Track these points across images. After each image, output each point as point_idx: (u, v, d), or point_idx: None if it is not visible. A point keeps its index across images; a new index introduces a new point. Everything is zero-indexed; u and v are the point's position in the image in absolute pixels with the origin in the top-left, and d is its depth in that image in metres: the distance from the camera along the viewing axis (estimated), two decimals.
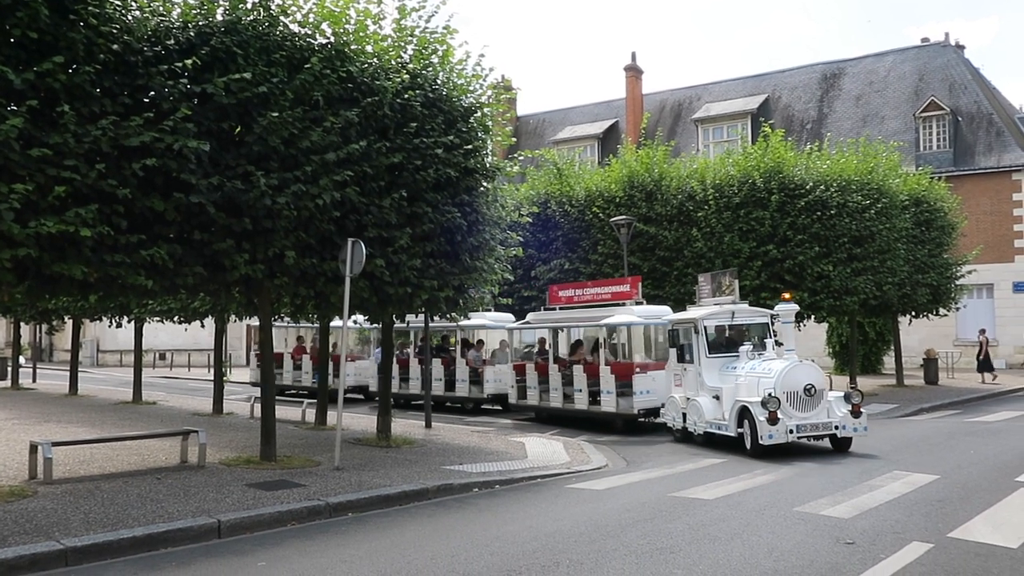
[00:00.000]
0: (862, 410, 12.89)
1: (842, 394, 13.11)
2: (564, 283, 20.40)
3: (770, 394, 12.50)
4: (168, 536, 7.81)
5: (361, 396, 23.87)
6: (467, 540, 7.87)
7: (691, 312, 15.33)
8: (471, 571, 6.82)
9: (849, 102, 38.33)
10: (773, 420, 12.28)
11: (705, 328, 14.16)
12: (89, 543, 7.39)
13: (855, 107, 37.98)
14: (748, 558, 7.11)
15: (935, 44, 38.37)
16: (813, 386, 12.69)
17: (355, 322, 19.07)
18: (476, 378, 20.79)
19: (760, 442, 12.37)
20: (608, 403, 16.73)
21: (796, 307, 14.43)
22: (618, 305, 17.62)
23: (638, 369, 16.93)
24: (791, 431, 12.37)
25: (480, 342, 22.13)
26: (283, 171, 10.37)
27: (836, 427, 12.68)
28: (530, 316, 20.27)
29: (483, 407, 21.07)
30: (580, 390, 17.60)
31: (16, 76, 8.11)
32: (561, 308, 19.23)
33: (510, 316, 21.62)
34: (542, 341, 20.21)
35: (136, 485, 9.99)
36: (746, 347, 14.00)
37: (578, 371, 17.66)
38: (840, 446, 12.97)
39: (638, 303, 17.70)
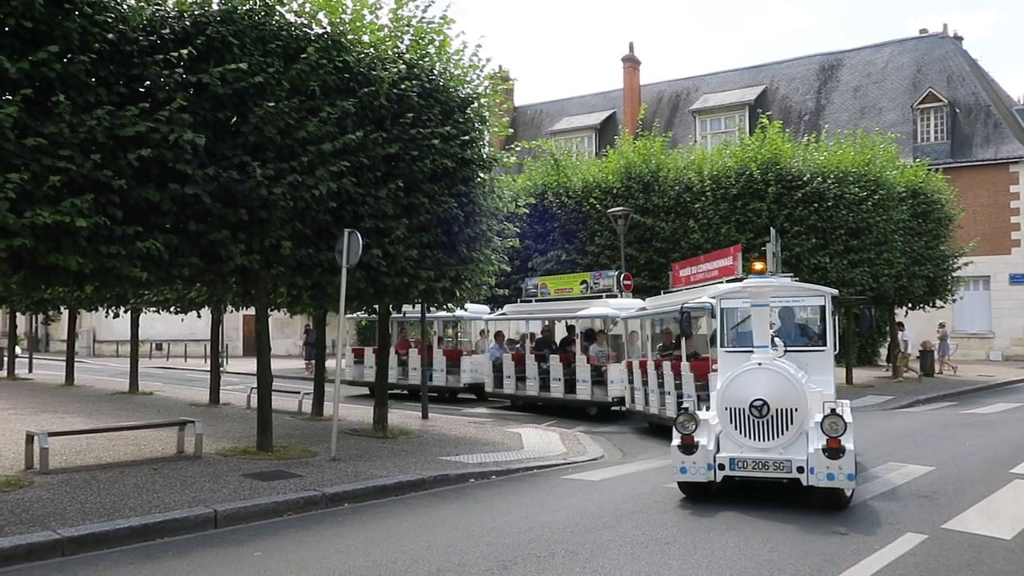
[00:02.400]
0: (845, 445, 8.23)
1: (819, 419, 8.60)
2: (683, 261, 18.07)
3: (685, 408, 9.51)
4: (164, 526, 7.82)
5: (474, 396, 21.41)
6: (463, 531, 7.88)
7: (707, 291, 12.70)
8: (467, 561, 6.84)
9: (847, 93, 38.29)
10: (688, 447, 8.73)
11: (723, 312, 10.34)
12: (85, 533, 7.39)
13: (853, 98, 37.94)
14: (743, 548, 7.14)
15: (933, 35, 38.33)
16: (765, 403, 8.56)
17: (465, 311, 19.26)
18: (599, 378, 17.58)
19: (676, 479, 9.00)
20: (584, 392, 17.44)
21: (775, 280, 10.88)
22: (596, 298, 18.43)
23: (605, 365, 17.43)
24: (723, 466, 8.67)
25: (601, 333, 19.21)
26: (279, 161, 10.34)
27: (799, 468, 8.40)
28: (507, 308, 20.72)
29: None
30: (557, 379, 18.24)
31: (11, 65, 8.07)
32: (537, 301, 20.00)
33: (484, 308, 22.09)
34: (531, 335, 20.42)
35: (132, 475, 10.00)
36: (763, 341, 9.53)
37: (554, 361, 18.35)
38: (815, 496, 8.62)
39: (612, 296, 18.43)
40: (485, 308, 21.93)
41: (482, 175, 13.49)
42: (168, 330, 38.51)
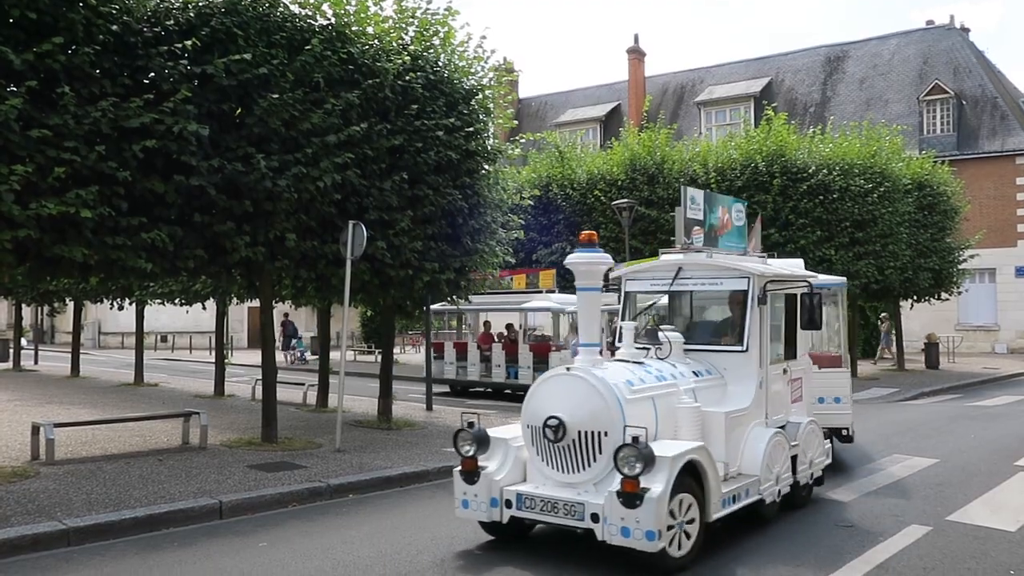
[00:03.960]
0: (649, 488, 5.93)
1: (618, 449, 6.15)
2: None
3: (471, 422, 7.03)
4: (170, 516, 7.84)
5: None
6: (467, 520, 7.90)
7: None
8: (471, 551, 6.85)
9: (853, 85, 38.15)
10: (468, 474, 6.85)
11: (628, 296, 8.46)
12: (91, 523, 7.42)
13: (859, 90, 37.80)
14: (748, 537, 7.15)
15: (940, 27, 38.15)
16: (561, 423, 6.40)
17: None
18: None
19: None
20: (525, 377, 18.42)
21: (603, 256, 7.07)
22: (536, 292, 20.11)
23: (553, 348, 18.99)
24: (510, 502, 6.68)
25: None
26: (283, 153, 10.34)
27: (593, 516, 6.18)
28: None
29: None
30: (499, 366, 19.81)
31: (16, 56, 8.07)
32: (489, 293, 20.59)
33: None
34: (487, 324, 21.70)
35: (138, 466, 10.03)
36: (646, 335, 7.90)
37: (497, 349, 19.97)
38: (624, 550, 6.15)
39: (551, 291, 19.83)
40: (574, 298, 21.25)
41: (487, 167, 13.47)
42: (173, 322, 38.59)
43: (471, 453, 6.92)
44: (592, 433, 6.41)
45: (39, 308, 32.38)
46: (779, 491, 7.60)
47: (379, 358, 18.49)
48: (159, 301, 20.49)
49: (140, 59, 9.35)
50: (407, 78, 11.72)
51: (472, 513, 6.89)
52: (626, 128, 25.83)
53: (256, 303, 14.43)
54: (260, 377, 12.79)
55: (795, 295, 8.26)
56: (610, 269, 7.38)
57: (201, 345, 39.56)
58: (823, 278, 10.86)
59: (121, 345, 43.04)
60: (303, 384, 17.35)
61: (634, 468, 5.91)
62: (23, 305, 28.20)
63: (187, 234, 9.88)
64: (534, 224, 22.29)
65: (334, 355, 17.10)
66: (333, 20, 11.30)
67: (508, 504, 6.72)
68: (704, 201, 8.44)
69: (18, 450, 10.99)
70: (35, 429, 10.58)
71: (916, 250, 23.96)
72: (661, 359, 7.46)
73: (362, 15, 11.64)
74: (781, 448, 7.71)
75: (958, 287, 27.32)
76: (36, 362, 29.93)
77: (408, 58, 11.87)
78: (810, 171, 21.20)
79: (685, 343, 7.79)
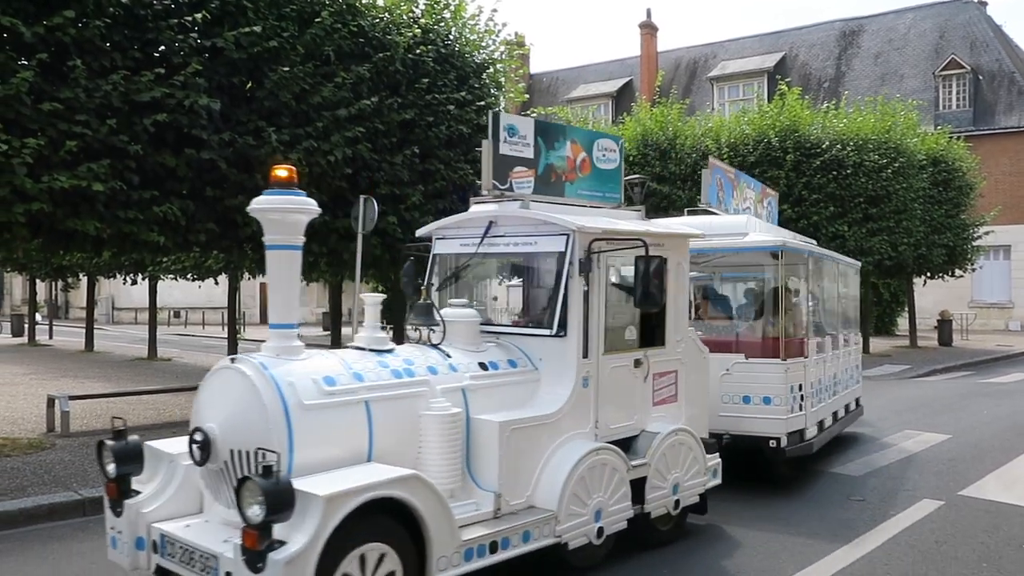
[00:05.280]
0: (276, 544, 4.06)
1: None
2: None
3: (117, 432, 5.11)
4: None
5: None
6: None
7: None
8: None
9: (868, 60, 37.74)
10: (114, 503, 5.04)
11: (435, 259, 6.68)
12: None
13: (874, 65, 37.39)
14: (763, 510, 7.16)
15: (957, 1, 37.60)
16: (207, 437, 4.73)
17: None
18: None
19: None
20: None
21: (304, 200, 4.97)
22: None
23: None
24: (156, 545, 4.84)
25: None
26: (294, 127, 10.31)
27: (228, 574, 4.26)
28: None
29: None
30: None
31: (26, 29, 8.05)
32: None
33: None
34: None
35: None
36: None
37: None
38: None
39: None
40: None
41: None
42: (186, 298, 38.77)
43: (115, 474, 4.95)
44: (246, 454, 4.54)
45: (53, 283, 32.61)
46: (598, 530, 5.57)
47: (391, 334, 18.57)
48: (172, 276, 20.59)
49: (150, 32, 9.30)
50: (418, 51, 11.66)
51: (117, 555, 4.99)
52: (638, 103, 25.66)
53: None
54: None
55: (662, 260, 5.92)
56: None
57: (214, 320, 39.75)
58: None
59: (135, 320, 43.29)
60: None
61: (257, 513, 4.01)
62: (37, 280, 28.41)
63: (199, 208, 9.88)
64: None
65: (346, 331, 17.13)
66: None
67: (155, 547, 4.81)
68: (537, 133, 6.30)
69: (34, 422, 11.10)
70: (50, 402, 10.68)
71: (930, 226, 23.77)
72: (435, 345, 5.66)
73: None
74: (603, 470, 5.63)
75: (972, 264, 27.11)
76: (51, 337, 30.16)
77: (419, 31, 11.80)
78: (824, 146, 21.01)
79: (487, 323, 6.12)
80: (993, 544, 6.41)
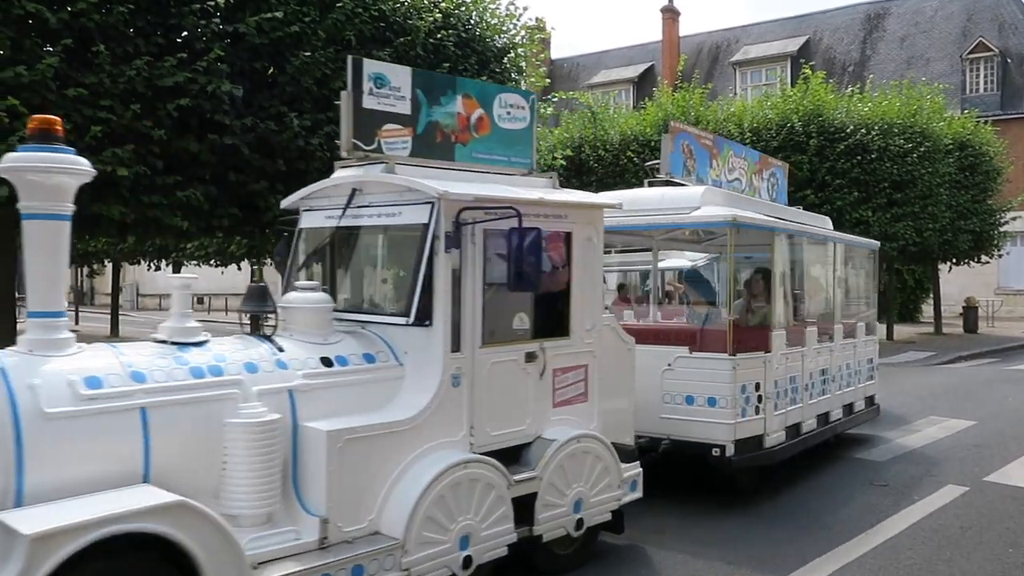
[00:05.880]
0: None
1: None
2: None
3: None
4: None
5: None
6: None
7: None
8: None
9: (893, 44, 37.24)
10: None
11: (300, 235, 5.74)
12: None
13: (899, 49, 36.90)
14: (784, 497, 7.14)
15: None
16: None
17: None
18: None
19: None
20: None
21: (71, 158, 4.07)
22: None
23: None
24: None
25: None
26: (316, 112, 10.34)
27: None
28: None
29: None
30: None
31: (51, 15, 8.12)
32: None
33: None
34: None
35: None
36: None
37: None
38: None
39: None
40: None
41: None
42: (209, 284, 38.97)
43: None
44: None
45: (79, 270, 32.97)
46: (465, 559, 4.61)
47: None
48: (195, 263, 20.76)
49: (173, 18, 9.35)
50: (439, 36, 11.63)
51: None
52: (660, 89, 25.51)
53: None
54: None
55: (538, 233, 4.79)
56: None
57: (237, 307, 40.03)
58: None
59: (159, 307, 43.69)
60: None
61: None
62: None
63: (221, 193, 9.94)
64: (566, 185, 22.10)
65: None
66: None
67: None
68: (416, 85, 5.23)
69: None
70: None
71: (956, 211, 23.47)
72: (267, 337, 4.82)
73: None
74: (473, 487, 4.69)
75: (999, 250, 26.77)
76: (77, 323, 30.49)
77: (439, 16, 11.76)
78: (848, 131, 20.80)
79: (353, 310, 5.27)
80: (1019, 529, 6.35)
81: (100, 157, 8.44)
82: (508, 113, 5.73)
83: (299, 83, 10.13)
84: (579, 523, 5.32)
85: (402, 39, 11.15)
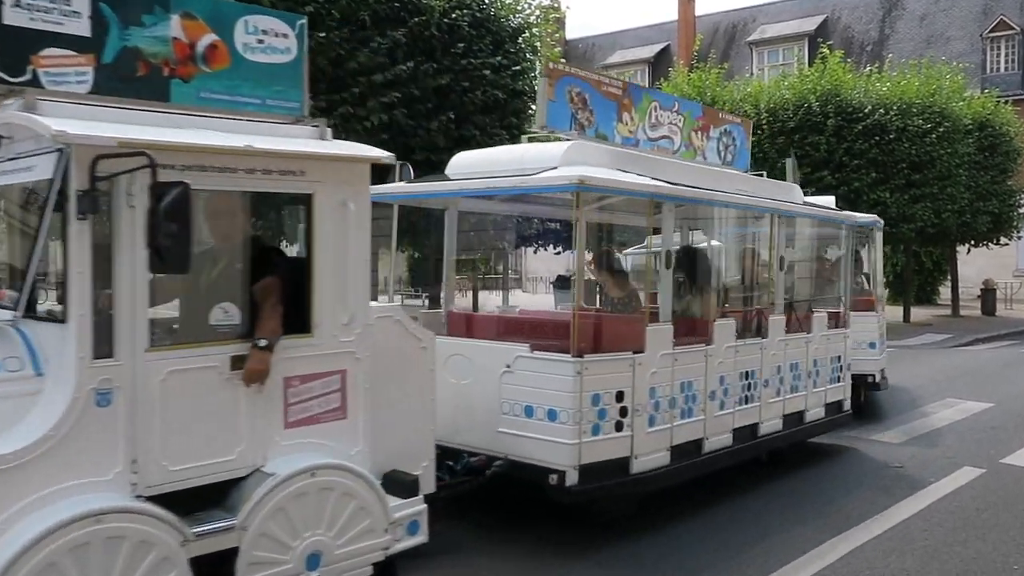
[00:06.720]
0: None
1: None
2: None
3: None
4: None
5: None
6: None
7: None
8: None
9: (913, 22, 36.77)
10: None
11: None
12: None
13: (919, 27, 36.44)
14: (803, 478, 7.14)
15: None
16: None
17: None
18: None
19: None
20: None
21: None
22: None
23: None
24: None
25: None
26: (330, 93, 10.34)
27: None
28: None
29: None
30: None
31: None
32: None
33: None
34: None
35: None
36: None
37: None
38: None
39: None
40: None
41: (534, 107, 13.32)
42: None
43: None
44: None
45: None
46: None
47: (427, 303, 18.66)
48: None
49: None
50: (453, 16, 11.60)
51: None
52: (676, 69, 25.33)
53: None
54: None
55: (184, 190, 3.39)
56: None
57: None
58: None
59: None
60: None
61: None
62: None
63: None
64: None
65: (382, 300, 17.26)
66: None
67: None
68: None
69: None
70: None
71: (975, 193, 23.23)
72: None
73: None
74: (115, 551, 3.29)
75: (1018, 231, 26.52)
76: None
77: None
78: (866, 111, 20.58)
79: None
80: None
81: None
82: (260, 42, 4.30)
83: (314, 63, 10.09)
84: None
85: (416, 19, 11.12)
